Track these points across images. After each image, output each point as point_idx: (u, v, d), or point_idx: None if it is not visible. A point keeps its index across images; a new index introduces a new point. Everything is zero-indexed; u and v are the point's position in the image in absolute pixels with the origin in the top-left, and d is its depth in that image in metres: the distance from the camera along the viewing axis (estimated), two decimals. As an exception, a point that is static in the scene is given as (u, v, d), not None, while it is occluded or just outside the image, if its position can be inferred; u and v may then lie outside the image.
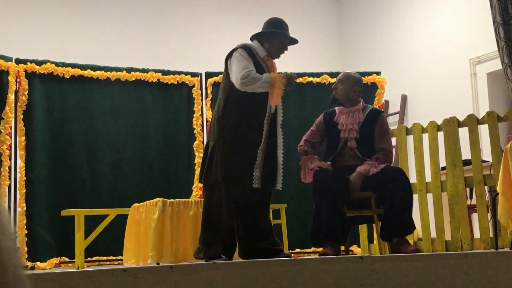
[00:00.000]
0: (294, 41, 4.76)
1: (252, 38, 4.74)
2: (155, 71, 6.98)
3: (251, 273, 3.12)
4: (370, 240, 6.26)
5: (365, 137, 4.85)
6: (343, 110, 4.94)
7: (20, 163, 6.32)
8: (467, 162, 5.76)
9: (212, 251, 4.45)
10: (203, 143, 6.96)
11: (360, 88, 4.98)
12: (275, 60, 4.79)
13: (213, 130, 4.57)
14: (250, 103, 4.48)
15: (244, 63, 4.46)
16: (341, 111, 4.95)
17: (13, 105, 6.33)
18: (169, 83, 7.01)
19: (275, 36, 4.66)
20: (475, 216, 6.23)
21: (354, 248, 6.55)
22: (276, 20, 4.76)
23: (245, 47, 4.59)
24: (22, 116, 6.36)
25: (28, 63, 6.47)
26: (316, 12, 9.73)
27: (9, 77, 6.32)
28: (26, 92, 6.39)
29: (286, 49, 4.73)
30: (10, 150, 6.30)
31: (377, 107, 6.84)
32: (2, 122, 6.23)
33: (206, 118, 6.98)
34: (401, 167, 5.40)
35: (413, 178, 5.80)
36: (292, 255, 6.21)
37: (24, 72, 6.43)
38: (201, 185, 6.80)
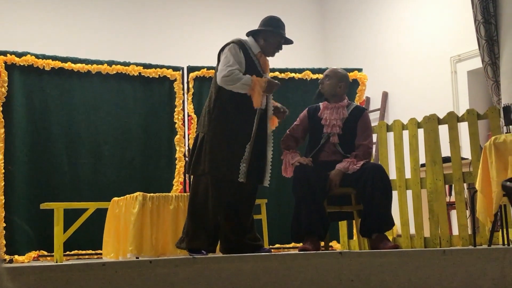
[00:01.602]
0: (289, 42, 4.79)
1: (248, 34, 4.75)
2: (137, 64, 6.94)
3: (230, 268, 3.12)
4: (350, 236, 6.29)
5: (348, 133, 4.88)
6: (328, 106, 4.97)
7: (-1, 155, 6.27)
8: (446, 159, 5.79)
9: (194, 244, 4.46)
10: (184, 137, 6.94)
11: (346, 85, 5.02)
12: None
13: (203, 122, 4.59)
14: (241, 97, 4.50)
15: (231, 60, 4.48)
16: (325, 106, 4.98)
17: (-7, 97, 6.28)
18: (151, 76, 6.97)
19: (272, 35, 4.68)
20: (454, 213, 6.28)
21: (333, 243, 6.57)
22: (274, 18, 4.77)
23: (238, 43, 4.60)
24: (1, 108, 6.30)
25: (8, 54, 6.41)
26: (298, 8, 9.74)
27: (-11, 69, 6.26)
28: (6, 84, 6.33)
29: (281, 49, 4.76)
30: (-11, 142, 6.25)
31: (359, 104, 6.87)
32: (-19, 114, 6.18)
33: (188, 113, 6.97)
34: (381, 164, 5.43)
35: (393, 175, 5.83)
36: (272, 250, 6.23)
37: (3, 64, 6.36)
38: (181, 179, 6.81)
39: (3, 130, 6.28)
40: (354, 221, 5.07)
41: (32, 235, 6.21)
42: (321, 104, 5.03)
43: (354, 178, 4.66)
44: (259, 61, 4.65)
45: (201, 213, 4.49)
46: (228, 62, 4.47)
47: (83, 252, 6.41)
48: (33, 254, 6.19)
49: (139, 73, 6.93)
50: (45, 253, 6.25)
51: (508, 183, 4.40)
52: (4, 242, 6.08)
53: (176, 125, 6.96)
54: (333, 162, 4.78)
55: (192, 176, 4.80)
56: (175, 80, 7.04)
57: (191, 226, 4.51)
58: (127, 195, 5.28)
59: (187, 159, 6.82)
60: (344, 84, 4.99)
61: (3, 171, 6.22)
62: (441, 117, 5.77)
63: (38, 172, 6.43)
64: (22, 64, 6.45)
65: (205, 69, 6.97)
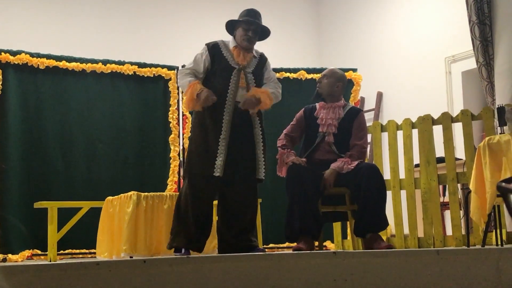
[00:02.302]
0: (266, 30, 4.79)
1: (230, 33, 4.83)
2: (131, 63, 6.94)
3: (224, 268, 3.12)
4: (344, 236, 6.30)
5: (343, 133, 4.88)
6: (324, 105, 4.98)
7: (-7, 154, 6.26)
8: (440, 160, 5.80)
9: (175, 243, 4.53)
10: (178, 136, 6.94)
11: (343, 86, 5.05)
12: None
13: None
14: (214, 92, 4.56)
15: (194, 61, 4.68)
16: (322, 106, 4.99)
17: (-13, 95, 6.26)
18: (145, 76, 6.97)
19: (235, 26, 4.74)
20: (447, 213, 6.29)
21: (327, 243, 6.57)
22: (246, 10, 4.80)
23: (209, 44, 4.73)
24: (-5, 107, 6.29)
25: (2, 53, 6.39)
26: (293, 9, 9.74)
27: (-17, 67, 6.25)
28: (0, 83, 6.32)
29: (251, 36, 4.72)
30: (-17, 141, 6.23)
31: (353, 104, 6.88)
32: (-25, 113, 6.16)
33: (182, 112, 6.96)
34: (376, 164, 5.43)
35: (387, 175, 5.84)
36: (266, 250, 6.23)
37: (-2, 62, 6.36)
38: (176, 179, 6.82)
39: (-3, 128, 6.26)
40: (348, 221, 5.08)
41: (26, 233, 6.20)
42: (317, 104, 5.04)
43: (349, 178, 4.66)
44: (234, 55, 4.68)
45: (183, 213, 4.54)
46: (190, 62, 4.71)
47: (77, 251, 6.40)
48: (27, 253, 6.18)
49: (134, 72, 6.92)
50: (39, 252, 6.23)
51: (503, 184, 4.40)
52: (-2, 240, 6.08)
53: (171, 124, 6.95)
54: (327, 161, 4.78)
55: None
56: (170, 79, 7.04)
57: (174, 225, 4.60)
58: (121, 194, 5.27)
59: (181, 158, 6.82)
60: (341, 84, 5.01)
61: (-3, 169, 6.21)
62: (435, 117, 5.78)
63: (32, 170, 6.42)
64: (16, 62, 6.44)
65: (200, 68, 6.96)
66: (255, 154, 4.63)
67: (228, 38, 4.83)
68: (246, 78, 4.65)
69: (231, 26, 4.78)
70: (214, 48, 4.69)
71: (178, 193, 4.81)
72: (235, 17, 4.82)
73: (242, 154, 4.58)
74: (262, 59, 4.86)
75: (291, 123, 5.10)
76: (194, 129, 4.67)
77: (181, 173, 4.71)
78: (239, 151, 4.56)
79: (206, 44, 4.74)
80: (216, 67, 4.65)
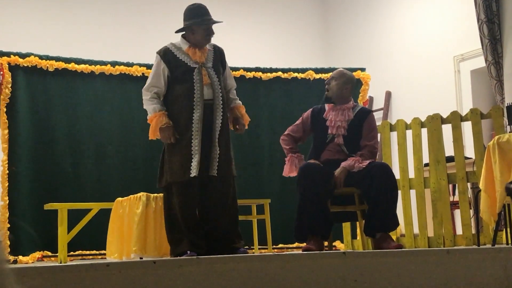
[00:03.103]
0: (214, 22, 4.74)
1: (177, 33, 4.82)
2: (140, 65, 6.95)
3: (234, 269, 3.12)
4: (353, 236, 6.29)
5: (353, 135, 4.87)
6: (333, 107, 4.96)
7: (3, 156, 6.28)
8: (450, 159, 5.79)
9: (179, 249, 4.50)
10: (187, 137, 6.94)
11: (352, 87, 5.03)
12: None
13: None
14: (180, 97, 4.59)
15: (151, 75, 4.69)
16: (331, 107, 4.97)
17: (-4, 98, 6.29)
18: (154, 77, 6.97)
19: (199, 26, 4.67)
20: (457, 213, 6.27)
21: (337, 243, 6.57)
22: (194, 8, 4.75)
23: (161, 52, 4.72)
24: (5, 109, 6.31)
25: (12, 55, 6.42)
26: (301, 8, 9.73)
27: (-8, 70, 6.27)
28: (10, 85, 6.34)
29: (213, 33, 4.73)
30: (-7, 143, 6.26)
31: (362, 104, 6.87)
32: (-15, 115, 6.19)
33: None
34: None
35: (396, 175, 5.81)
36: (275, 250, 6.23)
37: (7, 65, 6.37)
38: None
39: (7, 131, 6.29)
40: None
41: (36, 237, 6.22)
42: (326, 106, 5.02)
43: (360, 177, 4.65)
44: (190, 56, 4.66)
45: (178, 223, 4.54)
46: (151, 78, 4.69)
47: (87, 252, 6.42)
48: (37, 254, 6.20)
49: (142, 73, 6.93)
50: (49, 253, 6.26)
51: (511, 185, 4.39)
52: (9, 242, 6.09)
53: (179, 125, 6.95)
54: (337, 160, 4.78)
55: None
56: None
57: (172, 235, 4.59)
58: (131, 196, 5.28)
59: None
60: (350, 86, 5.00)
61: (7, 172, 6.23)
62: (444, 116, 5.77)
63: (42, 172, 6.44)
64: (26, 65, 6.46)
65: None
66: (228, 150, 4.64)
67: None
68: (208, 75, 4.64)
69: (183, 28, 4.74)
70: (167, 55, 4.67)
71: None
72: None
73: (216, 152, 4.56)
74: (217, 51, 4.83)
75: (296, 122, 5.10)
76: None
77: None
78: (213, 150, 4.55)
79: (157, 53, 4.72)
80: (176, 72, 4.63)
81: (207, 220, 4.63)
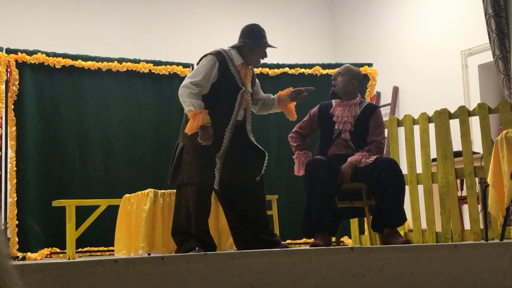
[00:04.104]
0: (271, 47, 4.74)
1: (232, 46, 4.72)
2: (147, 61, 6.96)
3: (241, 264, 3.12)
4: (361, 231, 6.28)
5: (360, 131, 4.86)
6: (340, 103, 4.95)
7: (11, 153, 6.29)
8: (458, 154, 5.78)
9: (187, 246, 4.48)
10: (194, 134, 6.95)
11: (359, 83, 5.01)
12: None
13: (182, 130, 4.62)
14: (216, 109, 4.52)
15: (199, 74, 4.53)
16: (338, 103, 4.97)
17: (4, 95, 6.30)
18: (161, 74, 6.99)
19: (257, 46, 4.65)
20: (465, 208, 6.26)
21: (345, 239, 6.56)
22: (256, 28, 4.71)
23: (217, 55, 4.61)
24: (12, 106, 6.33)
25: (19, 53, 6.43)
26: (308, 3, 9.72)
27: (0, 67, 6.28)
28: (17, 82, 6.36)
29: (266, 56, 4.73)
30: (1, 140, 6.27)
31: (369, 99, 6.86)
32: (-8, 112, 6.21)
33: (198, 109, 6.96)
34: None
35: (404, 170, 5.81)
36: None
37: (14, 62, 6.39)
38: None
39: (14, 128, 6.30)
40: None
41: (43, 235, 6.24)
42: (333, 101, 5.02)
43: (367, 172, 4.64)
44: (240, 73, 4.62)
45: (187, 222, 4.52)
46: (195, 75, 4.54)
47: (95, 249, 6.43)
48: (46, 251, 6.22)
49: (149, 70, 6.94)
50: (58, 250, 6.27)
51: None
52: (17, 239, 6.12)
53: (187, 122, 6.96)
54: (344, 155, 4.77)
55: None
56: (185, 76, 7.04)
57: (180, 234, 4.56)
58: (139, 192, 5.29)
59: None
60: (356, 81, 4.98)
61: (15, 169, 6.25)
62: (452, 111, 5.75)
63: (49, 169, 6.46)
64: (33, 62, 6.47)
65: (215, 65, 6.97)
66: (251, 158, 4.66)
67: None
68: (247, 100, 4.67)
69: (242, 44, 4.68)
70: (222, 63, 4.58)
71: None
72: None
73: (232, 172, 4.58)
74: (254, 76, 4.86)
75: (304, 119, 5.09)
76: (192, 140, 4.49)
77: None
78: (232, 168, 4.56)
79: (214, 56, 4.60)
80: (223, 84, 4.56)
81: (247, 215, 4.65)
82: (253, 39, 4.63)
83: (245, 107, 4.66)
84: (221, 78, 4.55)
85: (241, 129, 4.63)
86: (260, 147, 4.71)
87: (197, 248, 4.40)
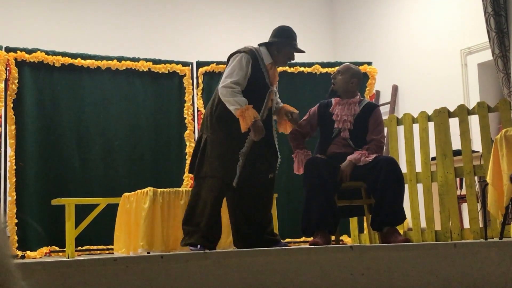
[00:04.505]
0: (300, 51, 4.78)
1: (261, 44, 4.75)
2: (146, 60, 6.96)
3: (240, 263, 3.12)
4: (360, 230, 6.29)
5: (359, 129, 4.87)
6: (340, 101, 4.96)
7: (10, 152, 6.30)
8: (457, 153, 5.78)
9: (192, 239, 4.53)
10: (194, 132, 6.96)
11: (359, 81, 5.01)
12: None
13: (206, 123, 4.64)
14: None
15: (237, 73, 4.51)
16: (337, 102, 4.97)
17: (3, 93, 6.31)
18: (160, 72, 6.99)
19: (286, 46, 4.69)
20: (465, 206, 6.26)
21: (344, 237, 6.57)
22: (288, 29, 4.77)
23: (250, 53, 4.62)
24: (12, 105, 6.33)
25: (18, 51, 6.44)
26: (308, 2, 9.71)
27: (-1, 66, 6.29)
28: (16, 81, 6.36)
29: (293, 59, 4.78)
30: (0, 139, 6.28)
31: (369, 98, 6.86)
32: (-9, 111, 6.21)
33: (197, 108, 6.97)
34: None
35: (403, 168, 5.81)
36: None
37: (14, 61, 6.40)
38: (192, 175, 6.84)
39: (14, 126, 6.31)
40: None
41: (43, 233, 6.25)
42: (333, 100, 5.02)
43: (366, 170, 4.65)
44: (268, 72, 4.66)
45: (198, 214, 4.54)
46: (232, 74, 4.52)
47: (95, 247, 6.44)
48: (45, 249, 6.22)
49: (149, 68, 6.95)
50: (57, 248, 6.28)
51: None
52: (16, 238, 6.12)
53: (186, 120, 6.97)
54: (344, 154, 4.77)
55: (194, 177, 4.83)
56: (185, 75, 7.05)
57: (190, 224, 4.59)
58: (138, 191, 5.30)
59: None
60: (356, 80, 4.98)
61: (15, 167, 6.25)
62: (451, 110, 5.75)
63: (49, 168, 6.47)
64: (32, 60, 6.48)
65: (214, 64, 6.98)
66: (267, 158, 4.69)
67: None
68: (274, 100, 4.75)
69: (272, 42, 4.70)
70: (255, 62, 4.61)
71: (191, 190, 4.82)
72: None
73: (254, 167, 4.61)
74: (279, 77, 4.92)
75: (304, 118, 5.09)
76: (218, 133, 4.53)
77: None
78: (253, 164, 4.59)
79: (248, 54, 4.60)
80: (254, 82, 4.58)
81: (246, 214, 4.68)
82: (283, 39, 4.68)
83: (270, 107, 4.70)
84: (253, 76, 4.58)
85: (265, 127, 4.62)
86: (277, 148, 4.75)
87: (198, 246, 4.42)
